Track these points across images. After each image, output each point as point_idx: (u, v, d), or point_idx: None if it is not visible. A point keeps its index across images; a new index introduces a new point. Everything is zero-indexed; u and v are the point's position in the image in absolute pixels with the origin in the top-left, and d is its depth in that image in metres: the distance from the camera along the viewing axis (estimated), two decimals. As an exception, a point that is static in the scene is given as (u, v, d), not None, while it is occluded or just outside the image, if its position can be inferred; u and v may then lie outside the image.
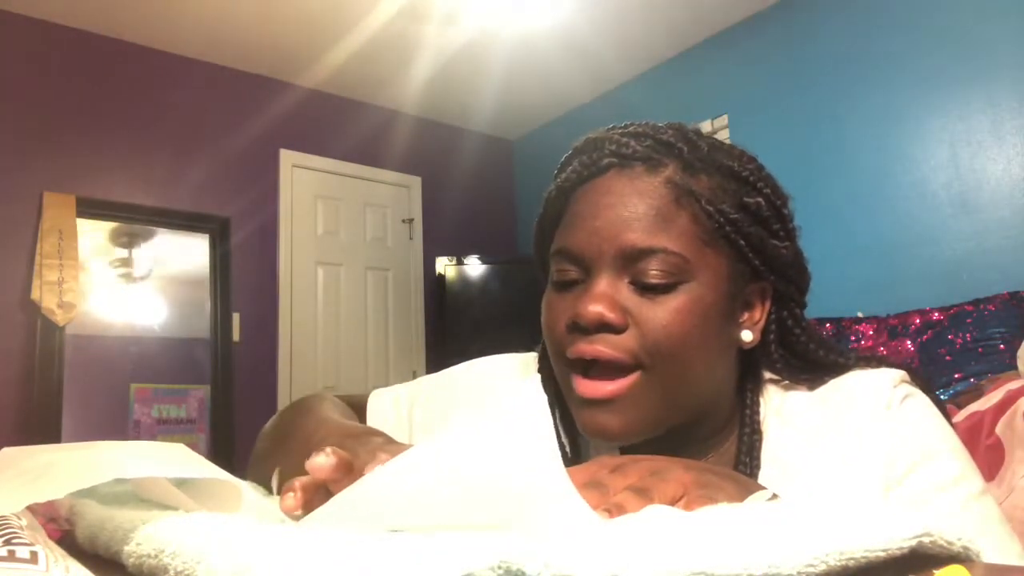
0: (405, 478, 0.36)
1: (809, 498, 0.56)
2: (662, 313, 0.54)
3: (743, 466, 0.58)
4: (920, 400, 0.58)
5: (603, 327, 0.55)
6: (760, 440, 0.59)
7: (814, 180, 3.07)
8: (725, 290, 0.57)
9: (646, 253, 0.54)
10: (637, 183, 0.57)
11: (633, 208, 0.56)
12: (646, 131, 0.62)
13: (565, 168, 0.62)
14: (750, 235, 0.57)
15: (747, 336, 0.59)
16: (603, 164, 0.59)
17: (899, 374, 0.58)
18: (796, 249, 0.62)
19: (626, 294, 0.55)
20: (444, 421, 0.70)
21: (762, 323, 0.60)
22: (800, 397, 0.61)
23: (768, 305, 0.61)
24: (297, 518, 0.41)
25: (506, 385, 0.71)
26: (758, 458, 0.59)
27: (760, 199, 0.58)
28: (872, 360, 0.62)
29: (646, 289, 0.55)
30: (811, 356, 0.61)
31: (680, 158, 0.58)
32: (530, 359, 0.72)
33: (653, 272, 0.54)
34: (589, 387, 0.55)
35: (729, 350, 0.60)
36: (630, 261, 0.55)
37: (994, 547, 0.51)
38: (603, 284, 0.55)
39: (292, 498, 0.41)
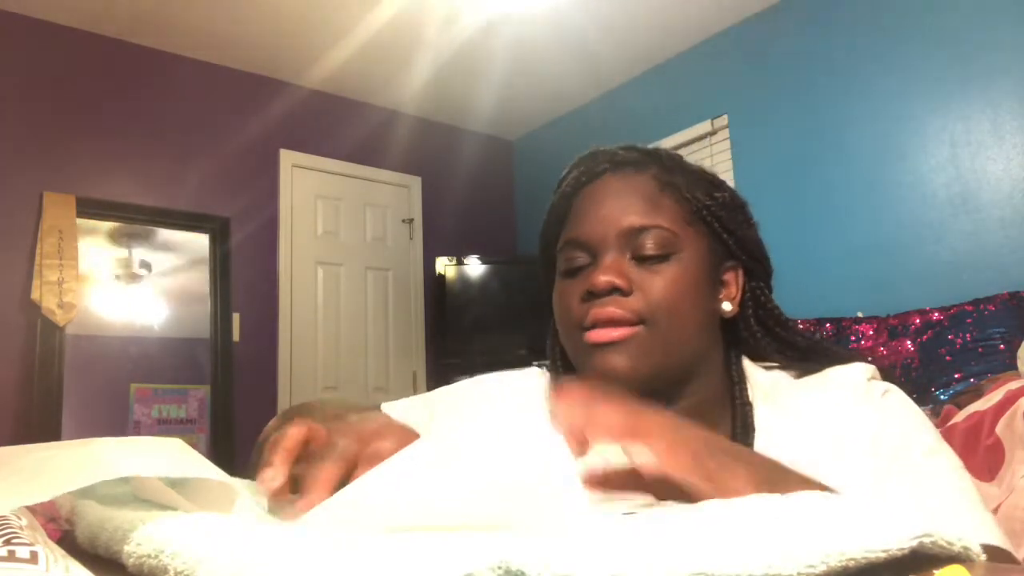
0: (406, 476, 0.36)
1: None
2: (660, 280, 0.65)
3: (739, 436, 0.66)
4: (899, 394, 0.65)
5: (614, 291, 0.64)
6: (751, 410, 0.67)
7: (814, 180, 3.08)
8: (706, 264, 0.68)
9: (643, 230, 0.66)
10: (629, 180, 0.69)
11: (628, 198, 0.68)
12: (631, 146, 0.74)
13: (566, 178, 0.73)
14: (722, 218, 0.69)
15: (727, 307, 0.70)
16: (599, 170, 0.71)
17: (871, 368, 0.67)
18: (759, 239, 0.74)
19: (629, 267, 0.66)
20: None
21: (738, 298, 0.71)
22: (782, 377, 0.70)
23: (742, 283, 0.72)
24: (293, 514, 0.41)
25: (508, 384, 0.76)
26: (752, 425, 0.66)
27: (726, 194, 0.71)
28: (842, 351, 0.71)
29: (645, 260, 0.66)
30: (784, 329, 0.72)
31: (660, 163, 0.71)
32: (534, 373, 0.78)
33: (650, 245, 0.65)
34: (599, 334, 0.64)
35: (713, 318, 0.70)
36: (630, 238, 0.66)
37: (975, 521, 0.55)
38: (610, 258, 0.66)
39: (272, 474, 0.43)
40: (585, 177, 0.71)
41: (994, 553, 0.53)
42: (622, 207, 0.67)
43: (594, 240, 0.67)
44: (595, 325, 0.64)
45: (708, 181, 0.71)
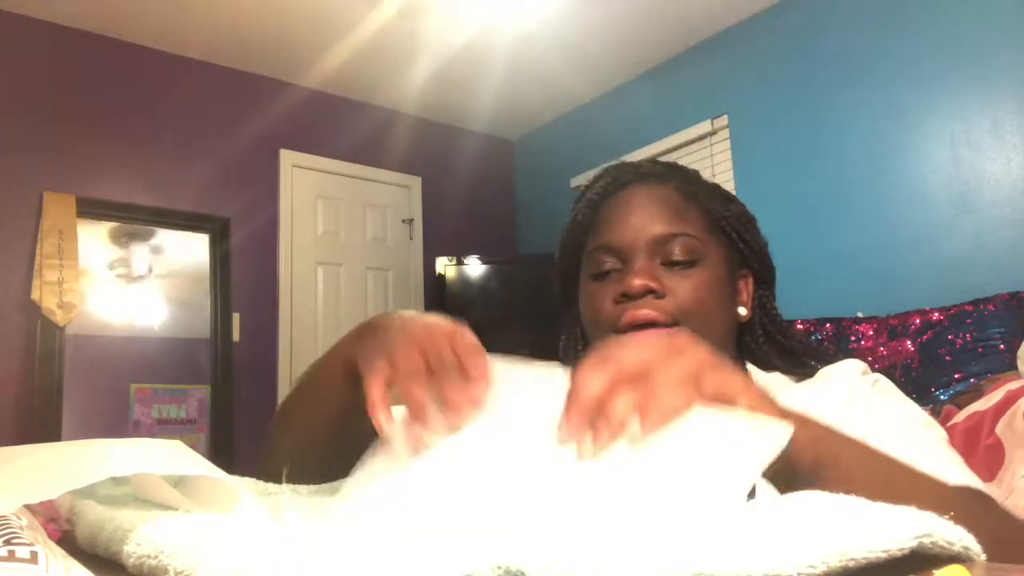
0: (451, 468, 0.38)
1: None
2: (689, 284, 0.69)
3: None
4: (887, 383, 0.70)
5: (648, 293, 0.68)
6: None
7: (814, 180, 3.07)
8: (725, 271, 0.73)
9: (671, 237, 0.70)
10: (654, 191, 0.74)
11: (655, 207, 0.72)
12: (653, 160, 0.81)
13: (592, 187, 0.79)
14: (738, 229, 0.75)
15: (742, 311, 0.75)
16: (625, 180, 0.76)
17: (862, 364, 0.71)
18: (767, 250, 0.79)
19: (659, 271, 0.70)
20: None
21: (750, 304, 0.76)
22: (783, 380, 0.73)
23: (752, 290, 0.77)
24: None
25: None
26: None
27: (739, 207, 0.78)
28: (835, 353, 0.75)
29: (674, 265, 0.70)
30: (784, 336, 0.76)
31: (682, 176, 0.78)
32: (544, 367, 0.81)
33: (678, 251, 0.70)
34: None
35: (733, 323, 0.74)
36: (659, 245, 0.70)
37: (963, 476, 0.58)
38: (642, 263, 0.70)
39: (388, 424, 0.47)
40: (612, 187, 0.76)
41: (980, 498, 0.56)
42: (650, 216, 0.71)
43: (624, 246, 0.71)
44: (631, 326, 0.67)
45: (723, 195, 0.78)
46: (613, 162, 0.81)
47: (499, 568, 0.23)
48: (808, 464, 0.42)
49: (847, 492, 0.38)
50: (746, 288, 0.76)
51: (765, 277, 0.78)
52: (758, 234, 0.78)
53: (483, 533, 0.31)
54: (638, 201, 0.73)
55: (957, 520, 0.28)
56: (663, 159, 0.84)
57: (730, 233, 0.74)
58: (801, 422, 0.44)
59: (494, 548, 0.24)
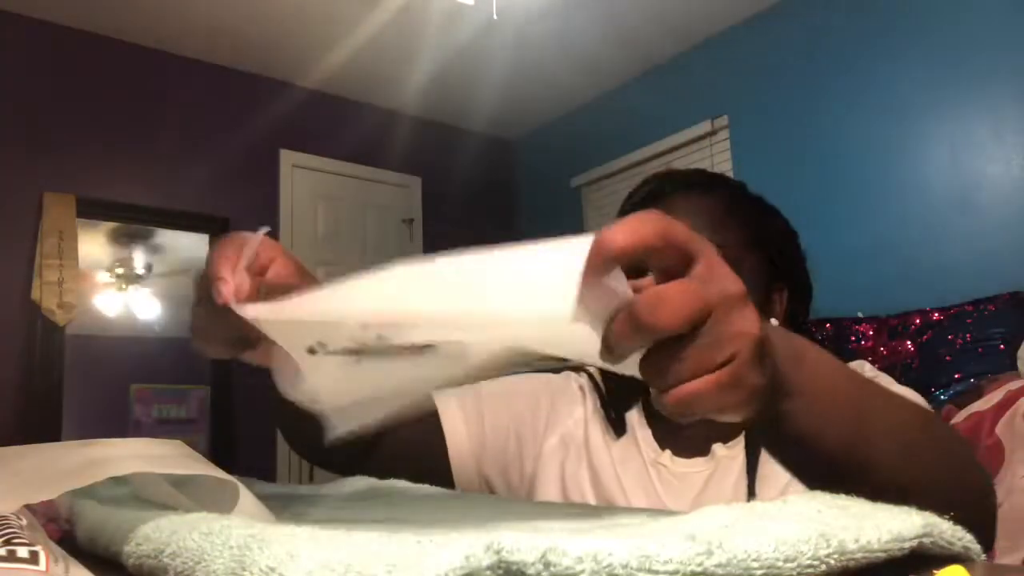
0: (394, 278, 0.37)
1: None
2: None
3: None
4: (887, 377, 0.71)
5: None
6: None
7: (814, 180, 3.07)
8: (760, 283, 0.75)
9: None
10: (697, 201, 0.76)
11: (696, 217, 0.72)
12: (700, 170, 0.83)
13: (638, 191, 0.80)
14: (777, 244, 0.78)
15: (774, 322, 0.75)
16: (670, 188, 0.78)
17: (865, 363, 0.74)
18: (805, 266, 0.81)
19: None
20: (513, 430, 0.80)
21: (782, 317, 0.77)
22: None
23: (784, 303, 0.78)
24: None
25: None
26: None
27: (781, 222, 0.82)
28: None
29: None
30: None
31: (726, 188, 0.80)
32: (571, 373, 0.85)
33: None
34: None
35: None
36: None
37: None
38: None
39: (222, 288, 0.46)
40: (656, 194, 0.78)
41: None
42: (691, 226, 0.71)
43: None
44: None
45: (765, 208, 0.81)
46: (661, 169, 0.83)
47: (498, 567, 0.23)
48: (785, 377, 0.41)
49: (815, 400, 0.40)
50: (780, 301, 0.78)
51: (800, 292, 0.80)
52: (797, 249, 0.81)
53: (478, 527, 0.30)
54: (680, 210, 0.73)
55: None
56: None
57: (768, 247, 0.76)
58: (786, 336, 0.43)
59: (492, 545, 0.24)
